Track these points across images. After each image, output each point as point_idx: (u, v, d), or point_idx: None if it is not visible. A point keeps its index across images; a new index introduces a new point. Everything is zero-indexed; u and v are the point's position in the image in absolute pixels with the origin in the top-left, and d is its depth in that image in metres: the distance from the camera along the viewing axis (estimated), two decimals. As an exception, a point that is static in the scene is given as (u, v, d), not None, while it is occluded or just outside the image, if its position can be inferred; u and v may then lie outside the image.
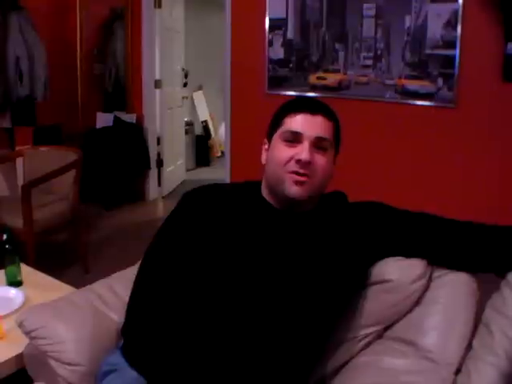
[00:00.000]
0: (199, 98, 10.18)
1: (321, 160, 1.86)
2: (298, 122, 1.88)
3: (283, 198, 1.89)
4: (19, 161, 5.37)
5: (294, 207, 1.92)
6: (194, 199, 2.02)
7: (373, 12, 4.73)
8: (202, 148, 9.80)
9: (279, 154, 1.88)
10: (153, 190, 7.51)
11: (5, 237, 3.05)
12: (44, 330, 2.04)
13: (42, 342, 2.04)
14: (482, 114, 4.24)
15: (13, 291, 2.95)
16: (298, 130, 1.86)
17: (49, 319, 2.08)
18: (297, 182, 1.84)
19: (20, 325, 2.10)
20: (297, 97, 2.22)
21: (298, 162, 1.83)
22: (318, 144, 1.86)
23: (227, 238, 1.90)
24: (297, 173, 1.84)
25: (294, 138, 1.86)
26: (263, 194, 2.00)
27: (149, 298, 1.84)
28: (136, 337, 1.81)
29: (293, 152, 1.85)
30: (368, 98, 4.84)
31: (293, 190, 1.85)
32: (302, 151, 1.83)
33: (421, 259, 1.98)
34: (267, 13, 5.33)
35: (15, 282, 3.05)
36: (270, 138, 1.99)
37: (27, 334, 2.09)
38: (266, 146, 2.01)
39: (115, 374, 1.80)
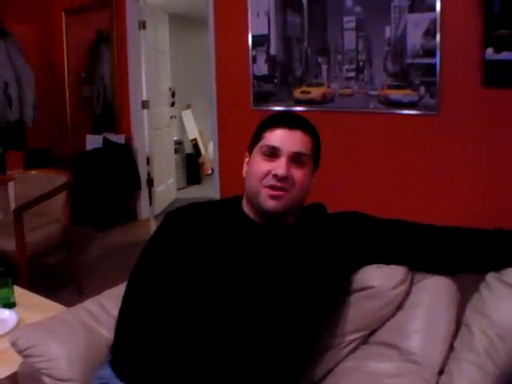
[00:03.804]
0: (188, 116, 10.23)
1: (298, 174, 1.90)
2: (276, 137, 1.91)
3: (260, 211, 1.93)
4: (10, 185, 5.40)
5: (273, 220, 1.96)
6: (176, 218, 2.05)
7: (353, 24, 4.78)
8: (192, 166, 9.84)
9: (257, 168, 1.93)
10: (144, 210, 7.54)
11: (-4, 261, 3.09)
12: (37, 348, 2.06)
13: (35, 360, 2.06)
14: (465, 120, 4.28)
15: (6, 312, 2.96)
16: (276, 145, 1.90)
17: (41, 337, 2.10)
18: (272, 196, 1.88)
19: (13, 344, 2.13)
20: (278, 112, 2.26)
21: (275, 176, 1.86)
22: (295, 159, 1.90)
23: (210, 254, 1.92)
24: (273, 187, 1.88)
25: (272, 153, 1.90)
26: (244, 208, 2.04)
27: (136, 313, 1.87)
28: (125, 350, 1.84)
29: (270, 166, 1.89)
30: (352, 109, 4.88)
31: (269, 204, 1.89)
32: (279, 166, 1.87)
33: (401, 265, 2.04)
34: (250, 30, 5.38)
35: (8, 304, 3.07)
36: (250, 151, 2.03)
37: (20, 352, 2.11)
38: (247, 159, 2.05)
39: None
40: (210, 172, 9.98)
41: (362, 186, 4.87)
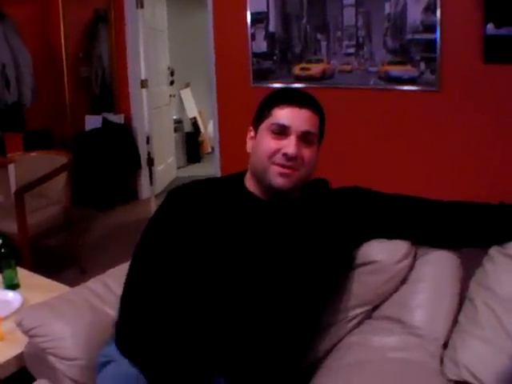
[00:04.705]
0: (187, 95, 10.20)
1: (307, 153, 1.90)
2: (286, 115, 1.90)
3: (268, 187, 1.93)
4: (11, 167, 5.40)
5: (278, 197, 1.96)
6: (179, 196, 2.04)
7: (353, 0, 4.75)
8: (192, 145, 9.82)
9: (266, 146, 1.92)
10: (145, 189, 7.55)
11: (0, 241, 3.09)
12: (42, 327, 2.08)
13: (40, 340, 2.08)
14: (466, 96, 4.27)
15: (10, 294, 2.99)
16: (286, 124, 1.89)
17: (46, 317, 2.12)
18: (282, 174, 1.88)
19: (19, 324, 2.15)
20: (285, 88, 2.24)
21: (285, 155, 1.86)
22: (304, 138, 1.90)
23: (214, 231, 1.93)
24: (282, 165, 1.88)
25: (282, 131, 1.89)
26: (246, 184, 2.04)
27: (141, 290, 1.87)
28: (129, 327, 1.84)
29: (280, 144, 1.88)
30: (352, 85, 4.86)
31: (278, 181, 1.89)
32: (289, 145, 1.86)
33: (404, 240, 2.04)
34: (248, 7, 5.35)
35: (12, 285, 3.09)
36: (256, 126, 2.01)
37: (26, 332, 2.13)
38: (252, 134, 2.04)
39: (111, 365, 1.84)
40: (209, 150, 9.96)
41: (361, 162, 4.86)
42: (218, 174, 5.95)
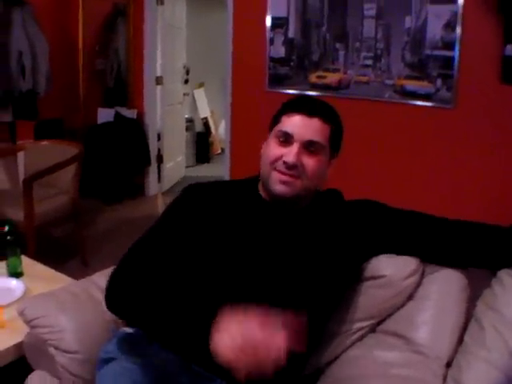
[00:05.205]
0: (200, 94, 10.19)
1: (310, 162, 1.89)
2: (291, 123, 1.91)
3: (271, 193, 1.94)
4: (20, 155, 5.40)
5: (283, 204, 1.96)
6: (197, 192, 2.05)
7: (373, 12, 4.76)
8: (202, 145, 9.80)
9: (271, 152, 1.93)
10: (153, 186, 7.53)
11: (7, 228, 3.09)
12: (45, 319, 2.08)
13: (42, 331, 2.07)
14: (481, 115, 4.26)
15: (14, 282, 2.99)
16: (289, 131, 1.90)
17: (49, 308, 2.12)
18: (281, 181, 1.89)
19: (21, 314, 2.14)
20: (300, 95, 2.24)
21: (285, 163, 1.87)
22: (308, 147, 1.89)
23: (224, 230, 1.93)
24: (283, 173, 1.88)
25: (286, 139, 1.90)
26: (259, 189, 2.04)
27: (141, 259, 1.85)
28: (122, 285, 1.81)
29: (282, 152, 1.89)
30: (367, 97, 4.87)
31: (278, 188, 1.90)
32: (290, 153, 1.87)
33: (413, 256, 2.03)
34: (269, 11, 5.36)
35: (16, 273, 3.08)
36: (269, 131, 2.02)
37: (28, 322, 2.13)
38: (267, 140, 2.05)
39: (112, 363, 1.83)
40: (219, 151, 9.94)
41: (373, 174, 4.86)
42: (227, 175, 5.96)
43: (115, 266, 1.90)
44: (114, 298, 1.84)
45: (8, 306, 2.70)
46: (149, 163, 7.34)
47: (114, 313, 1.89)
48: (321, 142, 1.91)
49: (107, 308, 1.86)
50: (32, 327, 2.13)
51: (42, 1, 6.53)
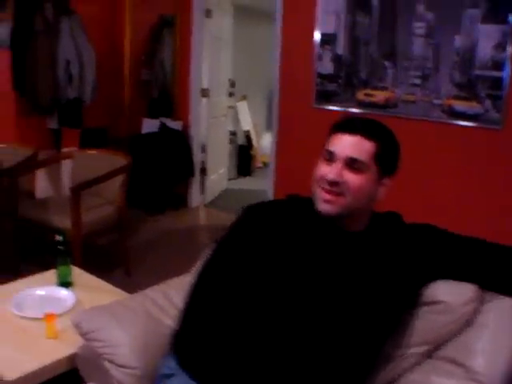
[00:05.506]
0: (243, 107, 10.21)
1: (353, 179, 1.90)
2: (335, 142, 1.95)
3: (318, 213, 1.95)
4: (66, 162, 5.45)
5: (330, 224, 1.97)
6: (256, 213, 2.08)
7: (423, 31, 4.74)
8: (244, 158, 9.82)
9: (317, 171, 1.97)
10: (195, 197, 7.55)
11: (59, 238, 3.11)
12: (101, 332, 2.10)
13: (97, 345, 2.10)
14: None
15: (64, 292, 3.00)
16: (332, 150, 1.93)
17: (105, 322, 2.14)
18: (326, 200, 1.91)
19: (77, 326, 2.16)
20: (349, 116, 2.25)
21: (326, 180, 1.90)
22: (351, 164, 1.90)
23: (282, 254, 1.94)
24: (326, 190, 1.91)
25: (330, 157, 1.93)
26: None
27: (205, 303, 1.89)
28: (191, 339, 1.87)
29: (326, 170, 1.92)
30: (415, 116, 4.84)
31: (322, 207, 1.93)
32: (331, 170, 1.90)
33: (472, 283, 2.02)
34: (317, 27, 5.37)
35: (66, 283, 3.10)
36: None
37: (83, 335, 2.15)
38: None
39: (171, 379, 1.85)
40: (260, 165, 9.97)
41: (420, 195, 4.83)
42: (271, 189, 5.96)
43: (186, 304, 1.97)
44: (187, 356, 1.88)
45: (59, 316, 2.71)
46: (192, 175, 7.37)
47: (178, 356, 1.91)
48: (362, 159, 1.92)
49: (172, 351, 1.89)
50: (87, 340, 2.15)
51: (89, 10, 6.61)
